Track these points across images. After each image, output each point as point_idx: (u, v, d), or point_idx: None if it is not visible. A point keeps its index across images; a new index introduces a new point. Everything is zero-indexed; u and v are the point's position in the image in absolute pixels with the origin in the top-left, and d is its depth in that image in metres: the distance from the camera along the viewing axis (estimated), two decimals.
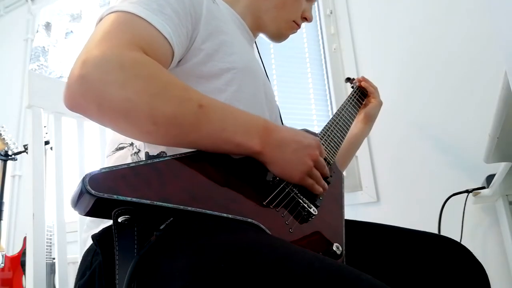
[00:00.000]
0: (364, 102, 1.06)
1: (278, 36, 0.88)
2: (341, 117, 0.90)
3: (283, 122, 0.90)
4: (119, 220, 0.45)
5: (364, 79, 1.07)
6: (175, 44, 0.59)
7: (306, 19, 0.88)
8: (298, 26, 0.87)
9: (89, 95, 0.50)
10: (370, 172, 1.57)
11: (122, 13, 0.57)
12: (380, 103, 1.07)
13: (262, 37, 0.91)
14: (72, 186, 0.45)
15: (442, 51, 1.57)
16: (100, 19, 0.59)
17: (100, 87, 0.49)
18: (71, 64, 0.53)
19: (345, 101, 0.98)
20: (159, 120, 0.51)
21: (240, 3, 0.83)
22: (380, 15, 1.73)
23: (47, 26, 2.59)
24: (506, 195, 1.23)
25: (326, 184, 0.64)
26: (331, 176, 0.69)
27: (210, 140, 0.54)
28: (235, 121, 0.56)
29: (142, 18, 0.56)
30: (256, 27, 0.85)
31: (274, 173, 0.58)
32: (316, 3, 1.89)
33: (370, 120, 1.05)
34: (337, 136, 0.83)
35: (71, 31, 2.54)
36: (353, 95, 1.02)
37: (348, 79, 1.14)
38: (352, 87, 1.08)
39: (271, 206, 0.55)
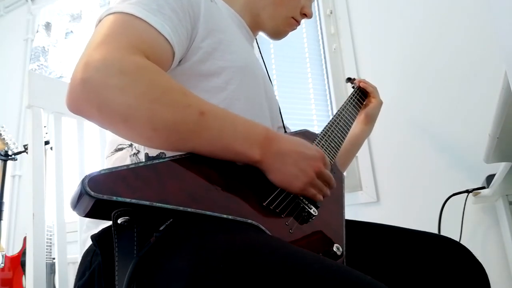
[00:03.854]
0: (364, 103, 1.06)
1: (277, 33, 0.87)
2: (341, 117, 0.90)
3: (284, 120, 0.90)
4: (119, 221, 0.45)
5: (363, 81, 1.08)
6: (175, 44, 0.59)
7: (306, 15, 0.87)
8: (297, 22, 0.87)
9: (90, 99, 0.50)
10: (370, 172, 1.57)
11: (122, 14, 0.57)
12: (380, 103, 1.08)
13: (262, 37, 0.91)
14: (72, 186, 0.45)
15: (442, 51, 1.56)
16: (99, 21, 0.59)
17: (101, 92, 0.49)
18: (71, 64, 0.53)
19: (345, 101, 0.97)
20: (158, 126, 0.51)
21: (239, 1, 0.82)
22: (380, 15, 1.72)
23: (47, 26, 2.59)
24: (506, 195, 1.23)
25: (328, 191, 0.63)
26: None
27: (209, 147, 0.53)
28: (235, 129, 0.55)
29: (142, 19, 0.56)
30: (255, 25, 0.85)
31: (273, 182, 0.57)
32: (316, 3, 1.89)
33: (370, 121, 1.05)
34: (338, 136, 0.83)
35: (71, 31, 2.53)
36: (353, 95, 1.02)
37: (349, 79, 1.14)
38: (353, 87, 1.08)
39: (271, 207, 0.54)
